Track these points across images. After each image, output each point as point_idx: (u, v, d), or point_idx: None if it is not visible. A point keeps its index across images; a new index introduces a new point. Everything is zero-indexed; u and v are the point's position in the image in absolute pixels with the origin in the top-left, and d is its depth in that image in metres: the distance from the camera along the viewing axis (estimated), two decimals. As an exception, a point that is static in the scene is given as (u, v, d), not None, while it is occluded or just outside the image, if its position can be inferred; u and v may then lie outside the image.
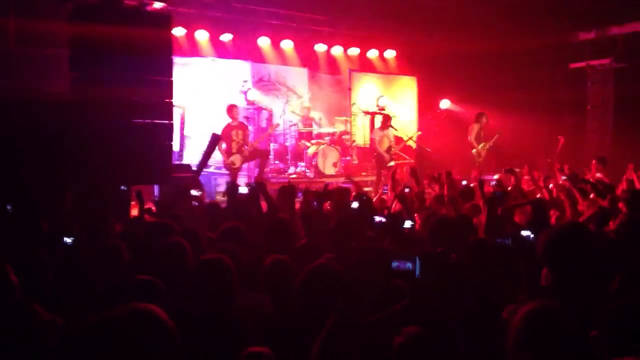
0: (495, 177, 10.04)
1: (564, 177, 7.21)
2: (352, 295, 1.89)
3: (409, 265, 1.92)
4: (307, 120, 12.97)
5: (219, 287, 2.89)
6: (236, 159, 11.16)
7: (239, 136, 11.19)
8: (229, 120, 11.17)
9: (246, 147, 11.25)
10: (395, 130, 12.75)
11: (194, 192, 7.05)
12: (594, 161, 10.20)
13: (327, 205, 6.24)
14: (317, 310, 2.19)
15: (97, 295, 3.07)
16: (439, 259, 1.94)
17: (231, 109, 11.22)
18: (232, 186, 6.59)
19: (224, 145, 10.89)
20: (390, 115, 12.88)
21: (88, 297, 3.08)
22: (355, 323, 1.92)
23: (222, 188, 11.03)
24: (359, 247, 1.96)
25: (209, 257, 3.09)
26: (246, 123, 11.74)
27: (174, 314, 1.79)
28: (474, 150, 13.37)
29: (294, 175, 12.26)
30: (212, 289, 2.88)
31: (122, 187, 6.43)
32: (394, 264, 1.92)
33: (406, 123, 14.68)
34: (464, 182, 8.53)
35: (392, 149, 12.60)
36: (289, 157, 12.73)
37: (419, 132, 13.94)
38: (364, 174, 13.00)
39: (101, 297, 2.98)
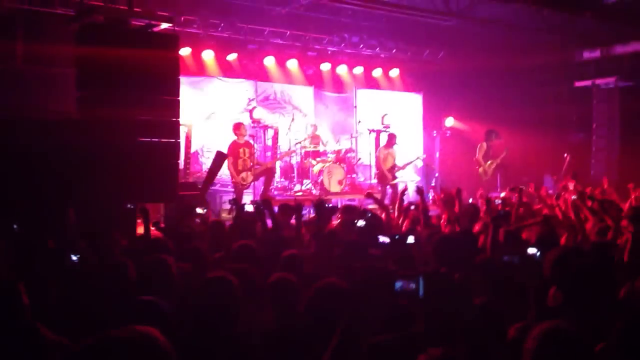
0: (502, 195, 10.02)
1: (574, 197, 7.18)
2: (356, 315, 1.88)
3: (413, 285, 1.92)
4: (314, 139, 13.00)
5: (223, 304, 2.88)
6: (247, 176, 11.23)
7: (246, 154, 11.25)
8: (235, 137, 11.22)
9: (258, 166, 11.33)
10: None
11: (199, 210, 7.07)
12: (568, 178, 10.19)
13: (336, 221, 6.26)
14: (323, 329, 2.17)
15: (102, 313, 3.07)
16: (442, 278, 1.93)
17: (238, 127, 11.27)
18: (238, 204, 6.61)
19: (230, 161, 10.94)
20: (395, 134, 12.92)
21: (93, 316, 3.08)
22: (360, 342, 1.91)
23: (227, 206, 11.05)
24: (362, 268, 1.96)
25: (213, 275, 3.09)
26: (252, 141, 11.80)
27: (177, 333, 1.78)
28: (481, 169, 13.36)
29: (300, 193, 12.27)
30: (215, 307, 2.87)
31: (129, 205, 6.43)
32: (398, 284, 1.92)
33: (411, 140, 14.72)
34: (470, 200, 8.52)
35: (396, 167, 12.63)
36: (294, 174, 12.76)
37: (424, 155, 13.97)
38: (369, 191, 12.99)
39: (106, 315, 2.98)
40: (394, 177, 12.63)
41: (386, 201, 12.00)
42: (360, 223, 5.53)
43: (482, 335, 1.93)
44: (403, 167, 13.12)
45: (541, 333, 2.16)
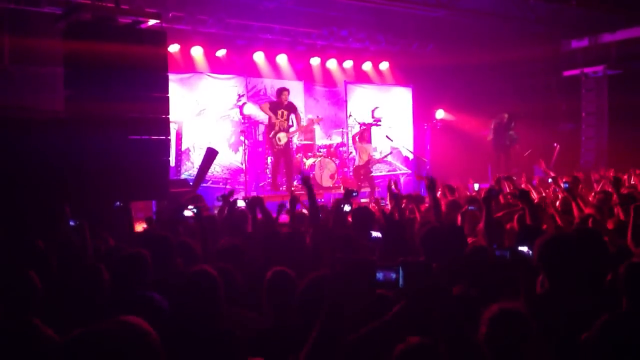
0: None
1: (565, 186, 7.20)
2: (335, 307, 1.90)
3: (393, 275, 1.94)
4: (308, 134, 12.98)
5: (206, 298, 2.90)
6: (283, 136, 11.46)
7: (284, 116, 11.74)
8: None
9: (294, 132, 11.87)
10: (391, 140, 12.82)
11: (191, 207, 7.05)
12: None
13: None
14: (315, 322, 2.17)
15: (86, 310, 3.11)
16: (421, 268, 1.95)
17: (281, 92, 11.78)
18: (227, 199, 6.60)
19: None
20: (369, 128, 12.95)
21: (77, 313, 3.11)
22: (339, 334, 1.93)
23: (219, 203, 11.03)
24: (342, 258, 1.97)
25: (194, 269, 3.10)
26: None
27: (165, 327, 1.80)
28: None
29: (292, 188, 12.26)
30: (198, 300, 2.89)
31: (118, 203, 6.40)
32: (378, 275, 1.94)
33: (402, 133, 14.76)
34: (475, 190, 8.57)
35: (372, 161, 12.62)
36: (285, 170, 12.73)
37: (403, 146, 14.02)
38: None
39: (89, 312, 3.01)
40: (369, 172, 12.62)
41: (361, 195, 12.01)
42: (347, 208, 5.49)
43: (459, 324, 1.96)
44: (379, 161, 13.12)
45: (492, 314, 2.27)
